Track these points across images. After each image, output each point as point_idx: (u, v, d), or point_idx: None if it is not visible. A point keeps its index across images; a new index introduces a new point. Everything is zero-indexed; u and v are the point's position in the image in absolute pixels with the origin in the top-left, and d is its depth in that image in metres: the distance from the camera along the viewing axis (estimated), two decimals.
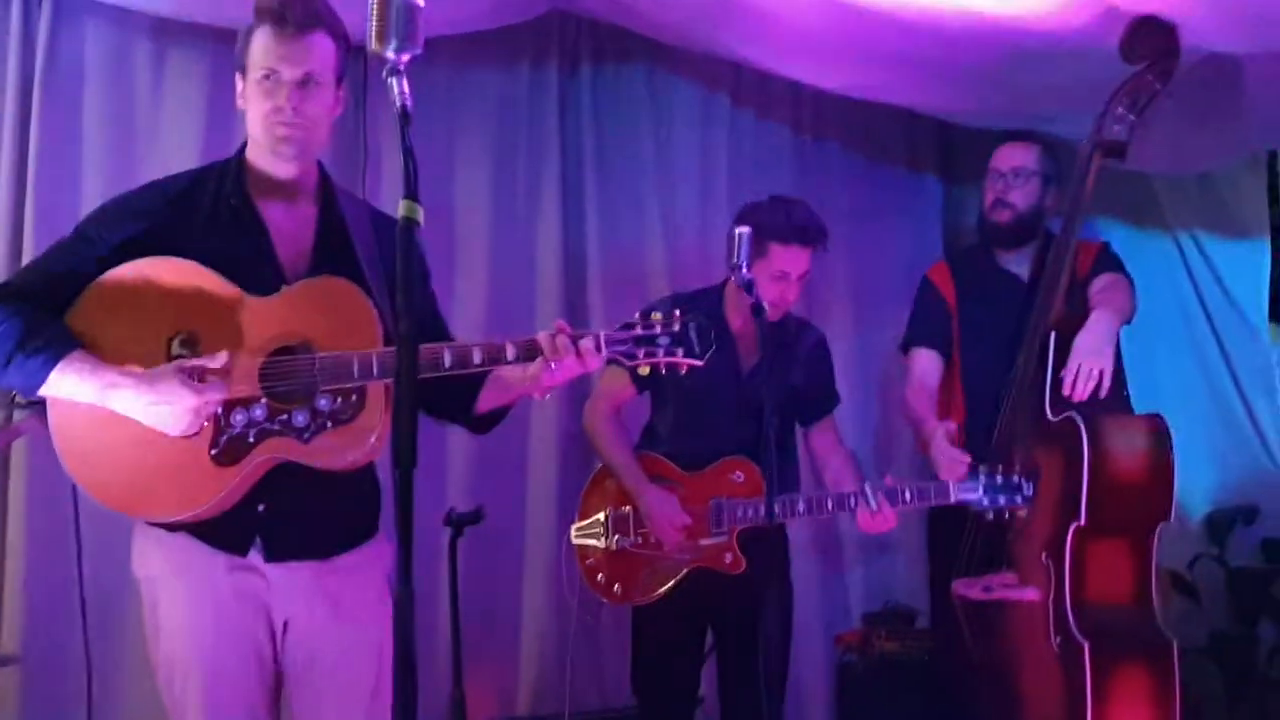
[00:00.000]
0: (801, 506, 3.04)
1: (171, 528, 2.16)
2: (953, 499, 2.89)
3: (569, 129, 3.99)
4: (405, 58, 1.68)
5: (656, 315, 2.18)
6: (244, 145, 2.24)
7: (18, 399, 2.17)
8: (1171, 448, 2.85)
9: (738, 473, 3.11)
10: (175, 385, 2.03)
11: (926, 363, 3.38)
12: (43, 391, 2.06)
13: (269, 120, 2.15)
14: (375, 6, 1.68)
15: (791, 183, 4.17)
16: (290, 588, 2.19)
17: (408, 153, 1.64)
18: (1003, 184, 3.32)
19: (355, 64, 3.62)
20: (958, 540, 3.13)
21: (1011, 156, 3.33)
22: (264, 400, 2.09)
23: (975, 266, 3.45)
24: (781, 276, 3.06)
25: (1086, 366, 2.90)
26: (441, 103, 3.81)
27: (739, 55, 3.82)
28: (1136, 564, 2.86)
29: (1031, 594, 2.93)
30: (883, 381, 4.17)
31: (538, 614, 3.78)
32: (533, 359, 2.13)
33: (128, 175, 3.41)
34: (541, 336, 2.13)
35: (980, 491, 2.86)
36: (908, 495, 2.93)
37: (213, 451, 2.08)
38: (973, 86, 3.49)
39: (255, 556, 2.18)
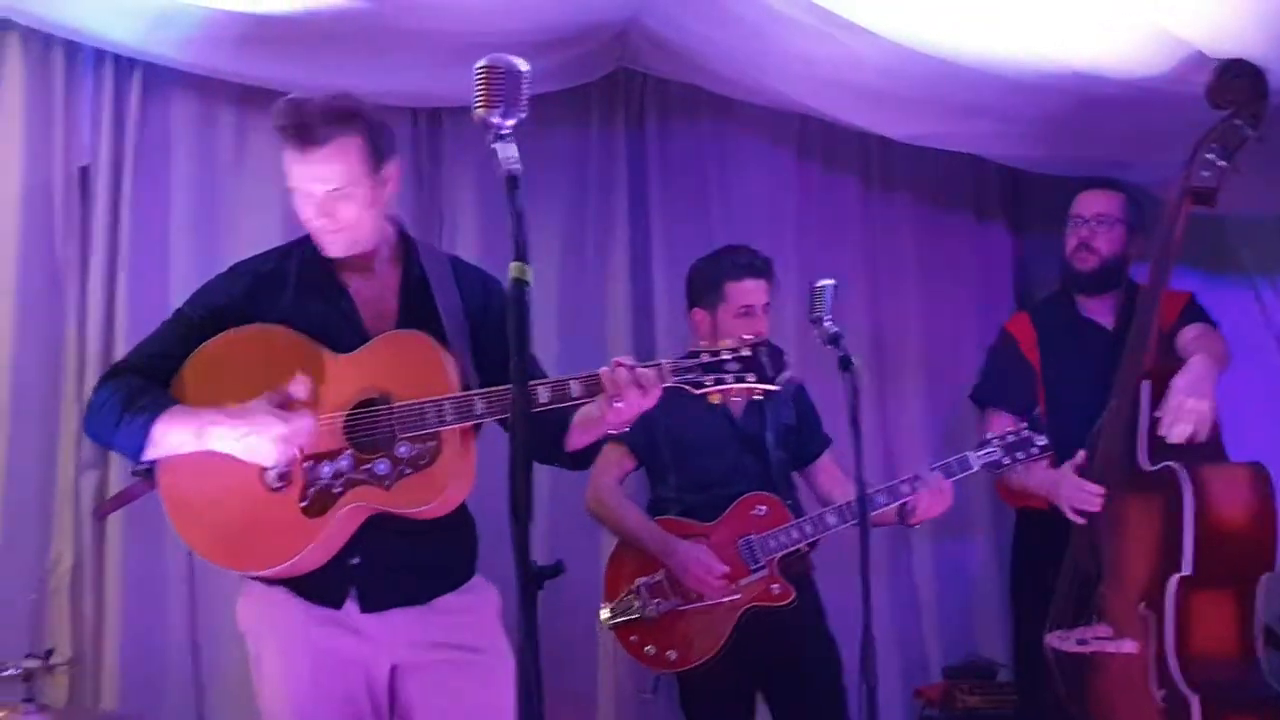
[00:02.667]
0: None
1: (270, 582, 2.22)
2: (974, 467, 3.00)
3: (636, 185, 4.01)
4: (510, 122, 1.70)
5: (725, 342, 2.16)
6: None
7: (134, 468, 2.26)
8: (1274, 495, 2.80)
9: (759, 507, 3.09)
10: (263, 415, 2.14)
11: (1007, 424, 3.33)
12: (148, 451, 2.17)
13: (309, 227, 2.25)
14: (481, 74, 1.69)
15: (859, 234, 4.19)
16: (391, 635, 2.23)
17: (518, 216, 1.66)
18: (1086, 230, 3.29)
19: (429, 126, 3.76)
20: (1041, 591, 3.08)
21: (1095, 203, 3.30)
22: (349, 451, 2.17)
23: (1057, 315, 3.41)
24: (746, 312, 3.13)
25: (1187, 405, 2.85)
26: None
27: (805, 107, 3.83)
28: (1241, 615, 2.81)
29: (1129, 646, 2.87)
30: (953, 433, 4.12)
31: (612, 671, 3.74)
32: (597, 395, 2.13)
33: (213, 241, 3.50)
34: (603, 371, 2.13)
35: (1000, 454, 3.00)
36: (954, 467, 3.02)
37: (302, 504, 2.16)
38: (1045, 135, 3.49)
39: (351, 608, 2.21)
